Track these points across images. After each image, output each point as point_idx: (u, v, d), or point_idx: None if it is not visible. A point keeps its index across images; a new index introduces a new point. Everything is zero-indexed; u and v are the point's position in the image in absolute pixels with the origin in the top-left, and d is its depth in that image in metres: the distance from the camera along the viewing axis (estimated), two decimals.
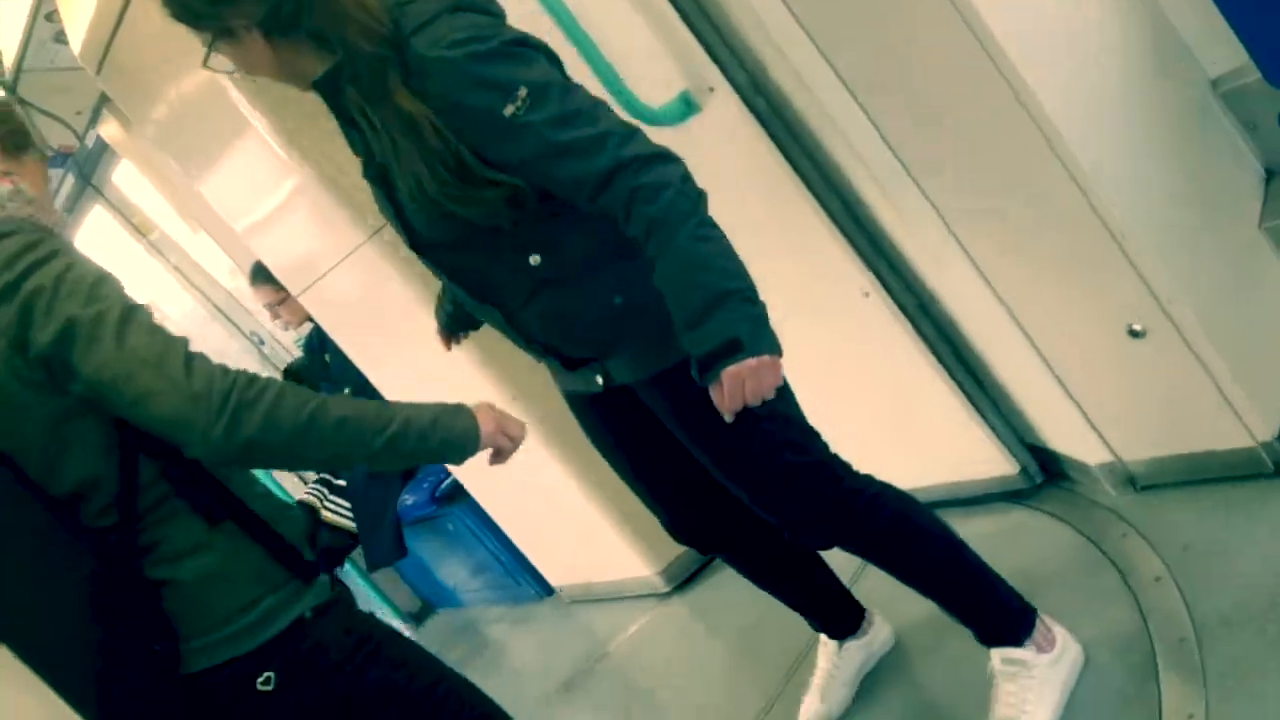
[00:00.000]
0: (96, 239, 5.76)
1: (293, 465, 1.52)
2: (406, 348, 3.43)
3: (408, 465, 1.49)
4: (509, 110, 1.53)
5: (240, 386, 1.36)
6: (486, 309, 1.81)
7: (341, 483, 4.29)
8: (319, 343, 4.40)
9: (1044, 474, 2.53)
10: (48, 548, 1.36)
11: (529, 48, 1.61)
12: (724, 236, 1.59)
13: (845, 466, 1.89)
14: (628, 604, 3.59)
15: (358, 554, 4.12)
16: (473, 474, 3.75)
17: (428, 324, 3.28)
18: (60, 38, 3.77)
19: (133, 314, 1.36)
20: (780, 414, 1.80)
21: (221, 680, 1.43)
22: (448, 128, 1.57)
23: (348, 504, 4.18)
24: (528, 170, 1.59)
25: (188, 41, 3.06)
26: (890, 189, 2.15)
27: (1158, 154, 1.89)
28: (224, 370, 1.37)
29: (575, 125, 1.56)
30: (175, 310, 6.02)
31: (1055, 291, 2.08)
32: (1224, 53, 1.87)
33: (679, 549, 3.42)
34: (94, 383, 1.33)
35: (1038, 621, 1.95)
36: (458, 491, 4.02)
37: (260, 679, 1.43)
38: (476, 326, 2.17)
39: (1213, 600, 1.88)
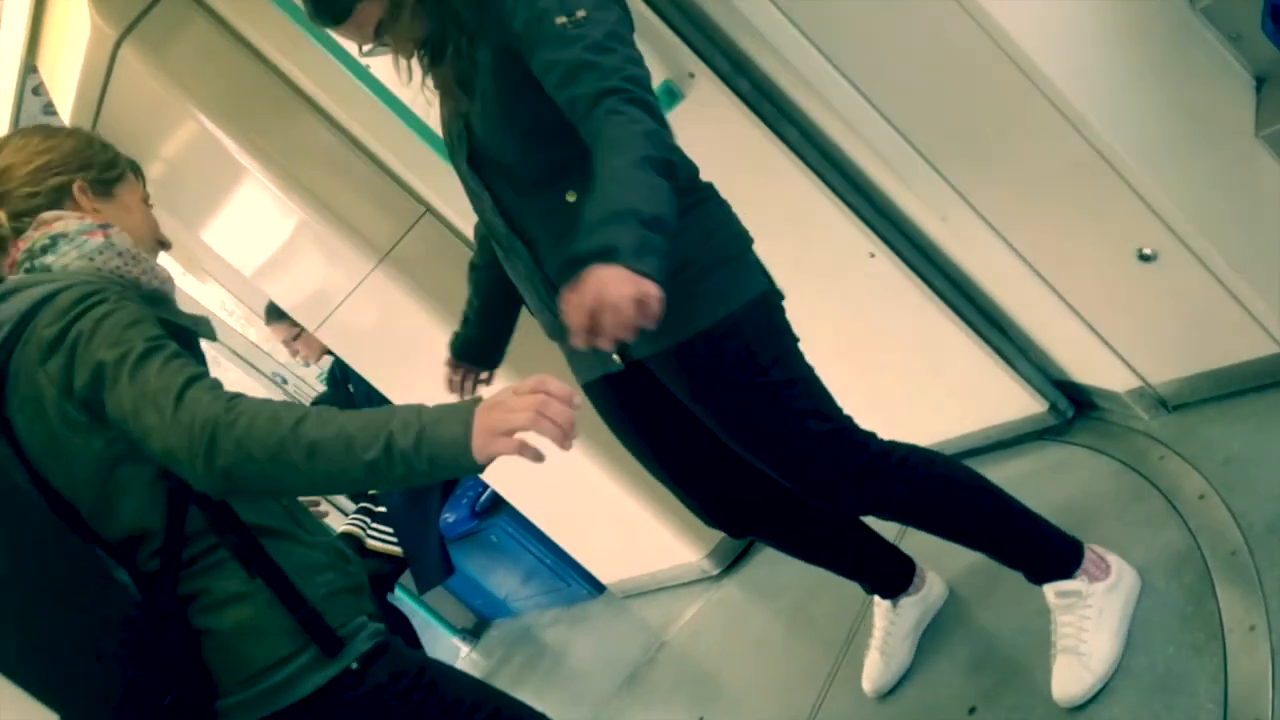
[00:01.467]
0: None
1: (280, 492, 1.43)
2: (428, 368, 3.45)
3: (407, 485, 1.33)
4: (560, 20, 1.62)
5: (218, 413, 1.29)
6: (517, 249, 1.85)
7: (382, 509, 4.34)
8: (341, 374, 4.43)
9: (1074, 407, 2.54)
10: (82, 588, 1.37)
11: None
12: (667, 184, 1.53)
13: (868, 432, 1.89)
14: (679, 591, 3.61)
15: (407, 578, 4.15)
16: (508, 482, 3.78)
17: (445, 341, 3.33)
18: (49, 109, 3.81)
19: (152, 353, 1.34)
20: (799, 380, 1.83)
21: None
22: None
23: (390, 529, 4.23)
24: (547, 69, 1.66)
25: (174, 97, 3.12)
26: (882, 150, 2.16)
27: (1145, 77, 1.89)
28: (215, 397, 1.31)
29: (608, 47, 1.63)
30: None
31: (1061, 226, 2.08)
32: None
33: None
34: (115, 422, 1.34)
35: (1086, 551, 1.96)
36: (497, 502, 4.05)
37: None
38: (490, 366, 2.21)
39: (1260, 510, 1.88)
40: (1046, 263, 2.17)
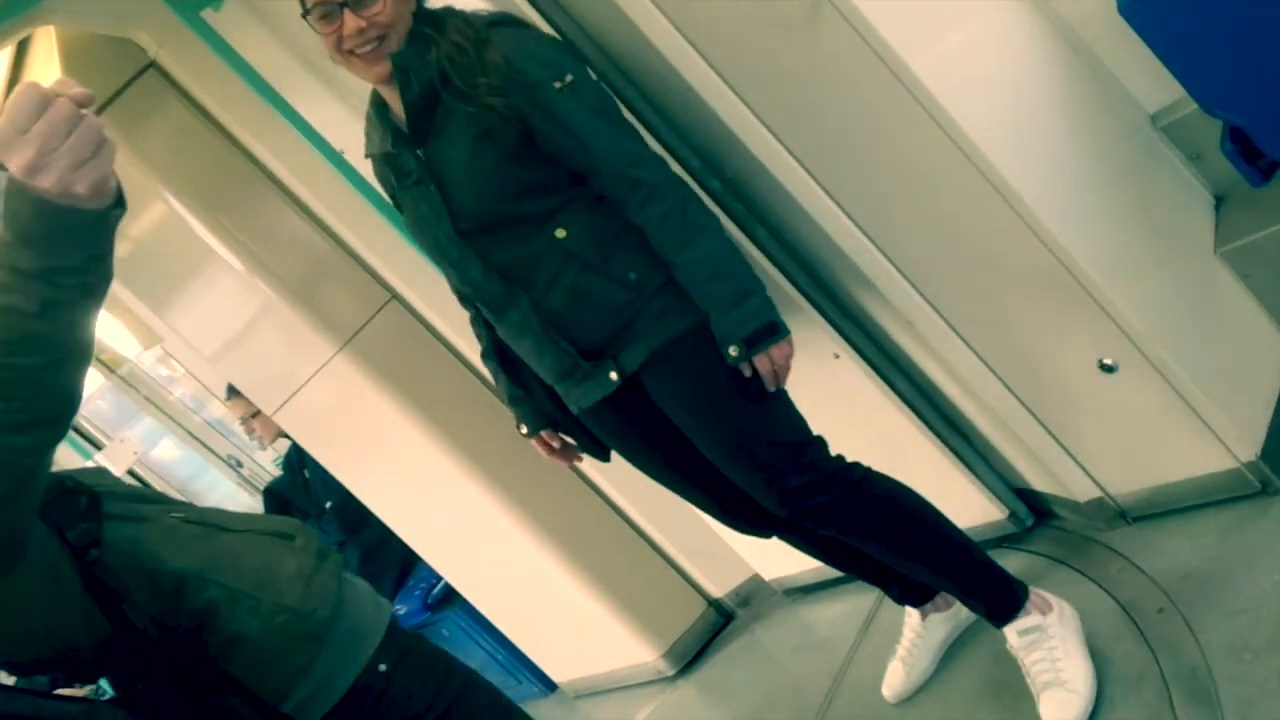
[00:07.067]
0: None
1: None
2: (385, 456, 3.41)
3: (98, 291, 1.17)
4: (558, 85, 1.81)
5: None
6: (515, 300, 1.92)
7: None
8: (298, 459, 4.37)
9: (1034, 516, 2.53)
10: None
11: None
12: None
13: (837, 454, 2.00)
14: (633, 692, 3.52)
15: None
16: (462, 575, 3.71)
17: (406, 430, 3.29)
18: None
19: None
20: (781, 399, 1.95)
21: None
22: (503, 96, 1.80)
23: None
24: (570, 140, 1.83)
25: (144, 176, 3.11)
26: (851, 253, 2.18)
27: (1108, 194, 1.93)
28: None
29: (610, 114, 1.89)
30: (150, 441, 5.97)
31: (1025, 334, 2.10)
32: (1160, 88, 1.93)
33: (680, 629, 3.39)
34: None
35: (1030, 588, 2.03)
36: (451, 595, 3.97)
37: None
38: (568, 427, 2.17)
39: (1219, 627, 1.87)
40: (1010, 370, 2.18)
